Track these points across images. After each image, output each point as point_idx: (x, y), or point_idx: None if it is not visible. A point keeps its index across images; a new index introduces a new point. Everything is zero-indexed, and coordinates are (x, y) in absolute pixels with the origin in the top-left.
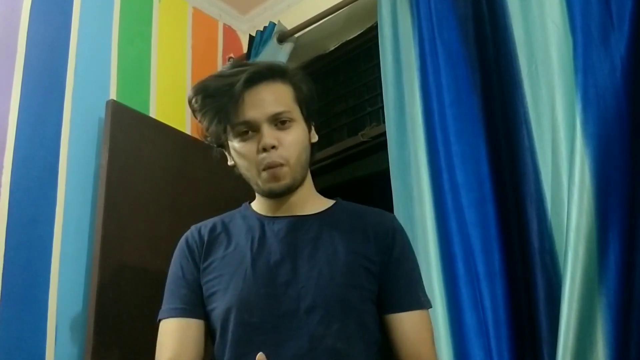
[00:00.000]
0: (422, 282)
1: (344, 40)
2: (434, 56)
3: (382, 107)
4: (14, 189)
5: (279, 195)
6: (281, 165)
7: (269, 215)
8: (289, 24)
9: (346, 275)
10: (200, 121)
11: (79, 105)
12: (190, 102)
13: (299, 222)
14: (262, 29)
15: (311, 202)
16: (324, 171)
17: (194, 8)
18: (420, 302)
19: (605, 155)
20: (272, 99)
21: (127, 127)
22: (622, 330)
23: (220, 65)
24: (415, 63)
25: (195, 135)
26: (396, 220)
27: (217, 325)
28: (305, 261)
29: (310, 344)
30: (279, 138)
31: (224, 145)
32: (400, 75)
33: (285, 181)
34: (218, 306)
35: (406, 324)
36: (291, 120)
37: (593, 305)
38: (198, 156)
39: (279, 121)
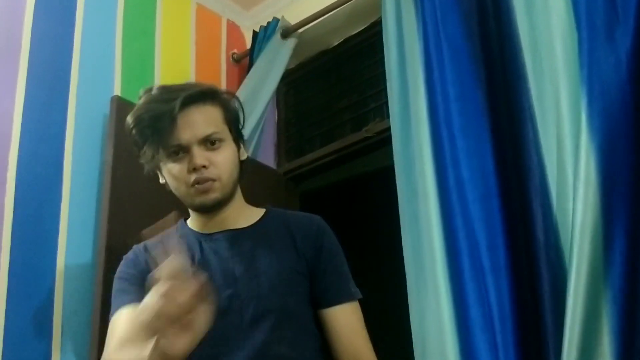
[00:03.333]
0: (350, 275)
1: (347, 36)
2: (439, 51)
3: (386, 103)
4: (19, 185)
5: (209, 209)
6: (213, 180)
7: (205, 232)
8: (293, 19)
9: (283, 284)
10: (137, 147)
11: (83, 101)
12: (129, 133)
13: (234, 237)
14: (265, 25)
15: (243, 215)
16: (327, 167)
17: (198, 4)
18: (351, 293)
19: (610, 149)
20: (202, 120)
21: None
22: (627, 324)
23: (223, 61)
24: (419, 58)
25: None
26: (322, 220)
27: None
28: (245, 274)
29: (257, 352)
30: (209, 158)
31: (157, 166)
32: (404, 71)
33: (215, 194)
34: None
35: (340, 317)
36: (220, 140)
37: (598, 299)
38: None
39: (209, 142)
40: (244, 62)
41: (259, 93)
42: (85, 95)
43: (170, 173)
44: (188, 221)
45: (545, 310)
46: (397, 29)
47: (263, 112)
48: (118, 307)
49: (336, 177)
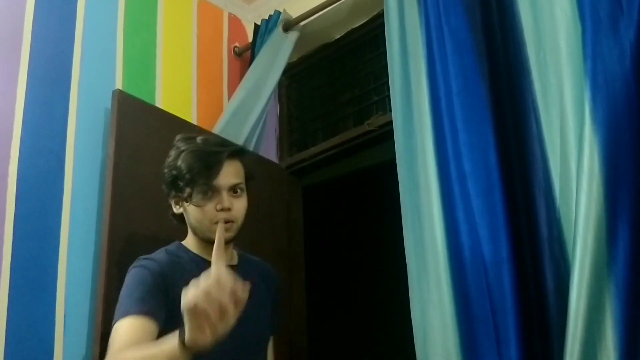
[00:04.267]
0: None
1: (349, 29)
2: (441, 44)
3: (389, 96)
4: (21, 179)
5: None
6: (232, 222)
7: (206, 257)
8: (295, 12)
9: (269, 315)
10: (172, 184)
11: (85, 95)
12: (179, 176)
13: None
14: (267, 18)
15: (232, 254)
16: (329, 161)
17: None
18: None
19: (614, 142)
20: (234, 172)
21: (134, 117)
22: (631, 318)
23: (225, 55)
24: (422, 51)
25: (202, 126)
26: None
27: None
28: (249, 303)
29: None
30: (232, 203)
31: (184, 199)
32: (406, 64)
33: (231, 234)
34: None
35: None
36: (242, 190)
37: (602, 293)
38: None
39: (233, 190)
40: (245, 55)
41: (261, 87)
42: (87, 89)
43: (199, 206)
44: (189, 246)
45: (548, 304)
46: (400, 22)
47: (265, 106)
48: (132, 313)
49: (339, 171)
